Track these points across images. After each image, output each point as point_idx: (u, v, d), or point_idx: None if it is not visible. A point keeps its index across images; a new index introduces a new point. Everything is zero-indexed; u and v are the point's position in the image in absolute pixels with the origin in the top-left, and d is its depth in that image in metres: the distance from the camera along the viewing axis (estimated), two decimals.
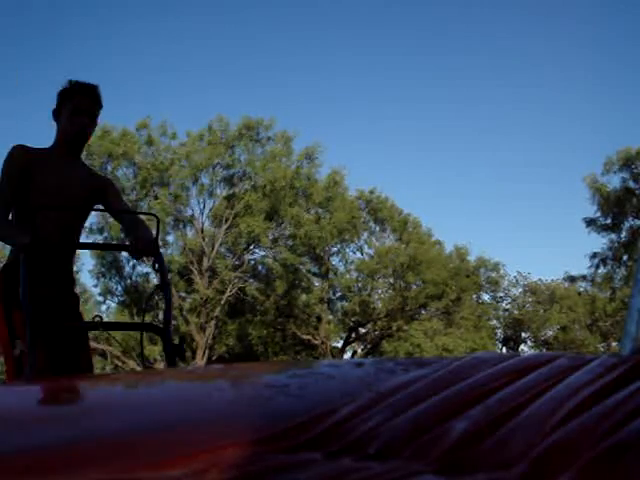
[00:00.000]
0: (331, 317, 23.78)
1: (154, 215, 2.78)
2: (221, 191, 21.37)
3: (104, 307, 21.58)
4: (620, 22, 33.98)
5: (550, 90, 36.17)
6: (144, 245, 2.77)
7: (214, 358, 21.24)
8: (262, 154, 21.15)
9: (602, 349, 26.83)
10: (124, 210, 3.21)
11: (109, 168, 20.29)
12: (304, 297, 22.73)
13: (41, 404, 0.71)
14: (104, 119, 20.42)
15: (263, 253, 22.52)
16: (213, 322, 21.03)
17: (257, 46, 34.54)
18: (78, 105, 2.87)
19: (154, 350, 20.06)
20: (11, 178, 2.83)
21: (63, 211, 2.88)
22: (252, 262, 22.37)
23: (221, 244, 21.27)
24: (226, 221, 20.81)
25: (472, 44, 36.46)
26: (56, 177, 2.88)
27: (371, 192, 24.05)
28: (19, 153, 2.86)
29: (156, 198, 20.31)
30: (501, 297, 29.37)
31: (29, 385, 0.96)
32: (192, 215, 21.33)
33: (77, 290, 3.20)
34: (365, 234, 24.56)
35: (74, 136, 2.92)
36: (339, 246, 23.75)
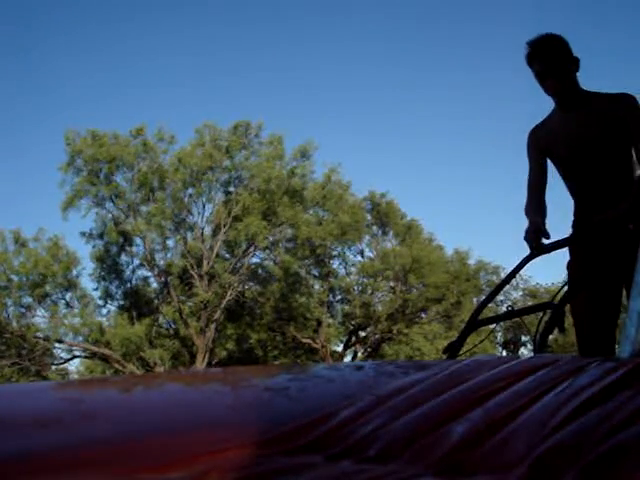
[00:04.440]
0: (331, 320, 23.73)
1: None
2: (219, 195, 21.37)
3: (104, 311, 21.49)
4: (620, 25, 34.08)
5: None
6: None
7: (214, 362, 21.20)
8: (257, 158, 21.16)
9: None
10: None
11: (101, 175, 20.14)
12: (304, 300, 22.67)
13: (43, 407, 0.72)
14: (95, 125, 20.16)
15: (263, 256, 22.50)
16: (213, 326, 20.99)
17: (252, 46, 34.43)
18: (536, 71, 2.69)
19: (154, 353, 20.01)
20: (530, 163, 2.87)
21: (591, 170, 2.70)
22: (252, 265, 22.34)
23: (220, 248, 21.25)
24: (224, 225, 20.79)
25: (473, 47, 36.52)
26: (563, 140, 2.79)
27: (382, 195, 24.02)
28: (528, 138, 2.88)
29: (155, 202, 20.26)
30: (501, 301, 29.33)
31: (32, 389, 0.96)
32: (192, 219, 21.32)
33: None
34: (367, 237, 24.51)
35: (555, 99, 2.79)
36: (339, 248, 23.71)
